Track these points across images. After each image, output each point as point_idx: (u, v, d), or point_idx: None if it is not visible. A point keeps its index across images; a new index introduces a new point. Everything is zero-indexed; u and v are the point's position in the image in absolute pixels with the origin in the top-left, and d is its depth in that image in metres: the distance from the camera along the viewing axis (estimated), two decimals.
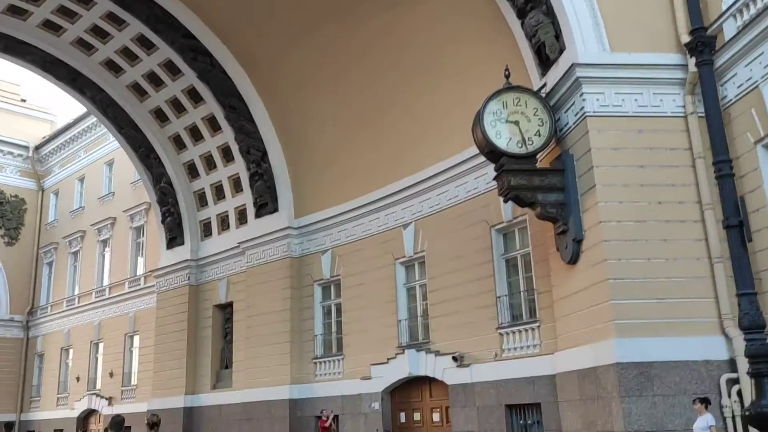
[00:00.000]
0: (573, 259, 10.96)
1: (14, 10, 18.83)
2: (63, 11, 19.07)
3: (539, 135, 11.38)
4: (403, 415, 15.88)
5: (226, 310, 21.29)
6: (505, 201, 11.77)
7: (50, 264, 32.67)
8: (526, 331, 13.01)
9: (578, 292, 10.84)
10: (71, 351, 29.73)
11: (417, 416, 15.60)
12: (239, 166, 20.67)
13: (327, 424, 14.34)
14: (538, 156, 11.54)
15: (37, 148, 33.50)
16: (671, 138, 10.71)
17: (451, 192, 15.29)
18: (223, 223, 21.86)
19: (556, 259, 11.61)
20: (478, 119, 11.33)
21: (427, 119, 16.03)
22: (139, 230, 27.47)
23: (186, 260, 22.06)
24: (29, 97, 36.61)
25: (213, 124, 20.92)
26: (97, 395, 27.14)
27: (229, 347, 20.80)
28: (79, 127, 31.32)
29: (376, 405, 16.04)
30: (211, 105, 20.35)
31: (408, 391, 15.86)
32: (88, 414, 28.04)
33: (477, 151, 13.93)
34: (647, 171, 10.54)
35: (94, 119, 29.34)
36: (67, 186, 32.49)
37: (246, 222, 20.78)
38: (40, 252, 33.05)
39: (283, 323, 18.46)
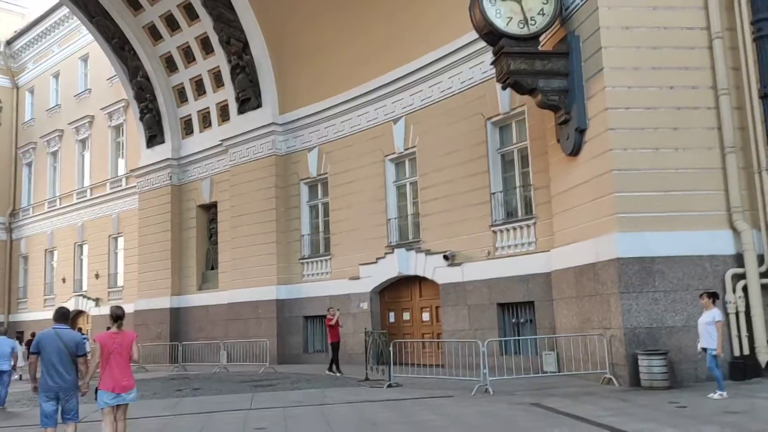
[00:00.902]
0: (575, 151, 10.23)
1: None
2: None
3: (543, 14, 10.38)
4: (392, 314, 15.60)
5: (210, 210, 20.65)
6: (504, 87, 10.86)
7: (29, 164, 31.66)
8: (521, 228, 12.44)
9: (579, 186, 10.18)
10: (56, 253, 29.25)
11: (406, 316, 15.32)
12: (219, 59, 19.44)
13: (332, 323, 13.97)
14: (540, 38, 10.56)
15: (9, 42, 31.69)
16: (688, 16, 9.73)
17: (444, 83, 14.33)
18: (205, 120, 20.84)
19: (556, 151, 10.87)
20: None
21: (419, 5, 14.84)
22: (118, 129, 26.35)
23: (167, 159, 21.20)
24: None
25: (190, 12, 19.50)
26: (84, 296, 26.90)
27: (215, 248, 20.30)
28: (52, 19, 29.48)
29: (365, 305, 15.73)
30: None
31: (397, 290, 15.50)
32: (76, 314, 27.90)
33: (472, 38, 13.03)
34: (660, 53, 9.63)
35: (67, 11, 27.61)
36: (42, 83, 30.99)
37: (228, 119, 19.79)
38: (18, 152, 31.96)
39: (269, 223, 17.87)
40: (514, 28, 10.25)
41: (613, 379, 9.30)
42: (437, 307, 14.45)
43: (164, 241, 20.95)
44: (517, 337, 11.58)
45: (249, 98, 18.83)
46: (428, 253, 14.27)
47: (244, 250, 18.38)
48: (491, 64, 10.83)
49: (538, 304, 11.85)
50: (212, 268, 20.39)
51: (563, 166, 10.72)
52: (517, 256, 12.42)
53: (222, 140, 19.42)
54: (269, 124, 18.14)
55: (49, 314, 27.70)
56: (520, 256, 12.36)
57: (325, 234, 17.35)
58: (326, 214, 17.33)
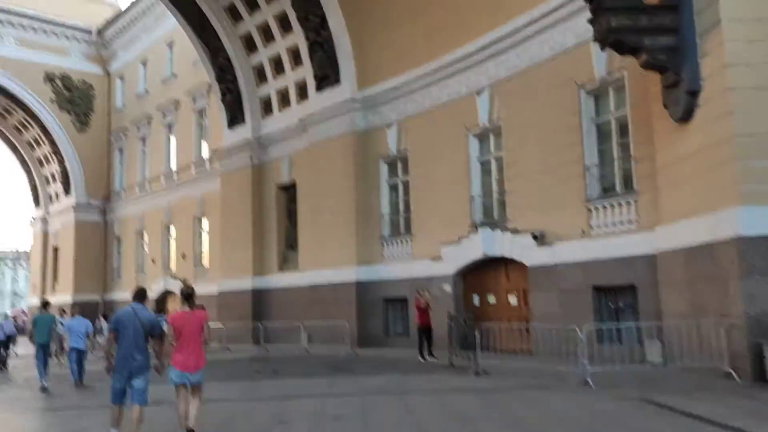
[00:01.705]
0: (685, 116, 9.07)
1: None
2: None
3: None
4: (476, 297, 14.79)
5: (289, 190, 20.43)
6: (603, 48, 9.77)
7: (121, 150, 32.68)
8: (620, 204, 11.35)
9: (691, 156, 9.03)
10: (145, 234, 30.09)
11: (492, 299, 14.48)
12: (298, 36, 19.06)
13: (422, 305, 13.37)
14: None
15: (100, 31, 32.68)
16: None
17: (533, 50, 13.28)
18: (284, 99, 20.58)
19: (663, 118, 9.72)
20: None
21: None
22: (201, 112, 26.63)
23: (247, 139, 21.11)
24: None
25: None
26: (172, 276, 27.50)
27: (294, 228, 20.09)
28: (139, 7, 30.15)
29: (448, 287, 14.99)
30: None
31: (482, 272, 14.67)
32: (165, 295, 28.63)
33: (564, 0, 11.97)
34: None
35: None
36: (131, 70, 31.82)
37: (307, 97, 19.42)
38: (111, 137, 33.03)
39: (348, 202, 17.41)
40: None
41: (733, 373, 8.20)
42: (525, 291, 13.54)
43: (245, 221, 20.94)
44: (619, 324, 10.51)
45: (327, 75, 18.37)
46: (515, 232, 13.37)
47: (323, 230, 18.02)
48: (588, 21, 9.76)
49: (641, 288, 10.76)
50: (293, 249, 20.20)
51: (671, 135, 9.57)
52: (615, 236, 11.34)
53: (301, 118, 19.08)
54: (347, 101, 17.61)
55: None
56: (619, 235, 11.27)
57: (405, 213, 16.72)
58: (406, 192, 16.68)
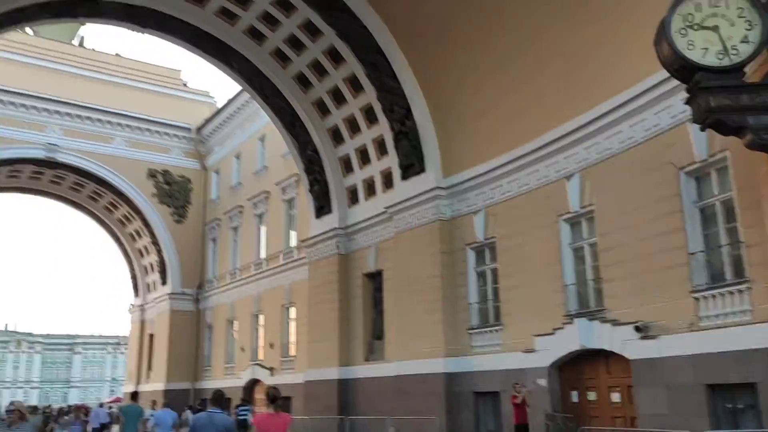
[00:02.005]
0: None
1: None
2: None
3: (747, 41, 8.73)
4: (575, 393, 13.84)
5: (375, 278, 20.33)
6: (702, 128, 9.26)
7: (214, 240, 33.96)
8: (731, 294, 10.47)
9: None
10: (235, 322, 30.64)
11: (592, 395, 13.50)
12: (383, 127, 19.49)
13: (518, 401, 12.68)
14: (745, 68, 8.96)
15: (199, 129, 34.83)
16: None
17: (625, 133, 12.90)
18: (369, 188, 20.87)
19: None
20: (664, 29, 8.93)
21: (586, 54, 13.73)
22: (290, 202, 27.44)
23: (334, 228, 21.38)
24: (190, 81, 38.29)
25: (354, 85, 19.89)
26: (260, 365, 27.64)
27: (380, 317, 19.83)
28: (234, 105, 32.03)
29: (543, 381, 14.15)
30: (352, 64, 19.30)
31: (579, 366, 13.80)
32: (253, 383, 28.72)
33: (655, 81, 11.73)
34: None
35: (247, 97, 29.84)
36: (226, 163, 33.50)
37: (392, 186, 19.60)
38: (206, 228, 34.47)
39: (435, 291, 17.06)
40: (711, 60, 8.73)
41: None
42: (629, 387, 12.55)
43: (332, 310, 20.90)
44: (738, 430, 9.43)
45: (412, 164, 18.54)
46: (615, 323, 12.57)
47: (410, 319, 17.67)
48: (685, 103, 9.33)
49: (762, 386, 9.71)
50: (379, 338, 19.87)
51: None
52: (728, 327, 10.41)
53: (386, 207, 19.20)
54: (432, 189, 17.61)
55: (229, 382, 28.91)
56: (732, 327, 10.34)
57: (494, 302, 16.17)
58: (495, 280, 16.20)
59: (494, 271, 16.25)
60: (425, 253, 17.61)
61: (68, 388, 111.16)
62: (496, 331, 15.68)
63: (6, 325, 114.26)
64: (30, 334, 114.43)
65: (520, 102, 15.59)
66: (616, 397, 13.04)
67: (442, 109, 17.94)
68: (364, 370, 19.76)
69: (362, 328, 20.29)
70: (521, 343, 14.71)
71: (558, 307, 14.05)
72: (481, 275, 16.76)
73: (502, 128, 16.07)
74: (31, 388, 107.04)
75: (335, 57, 19.74)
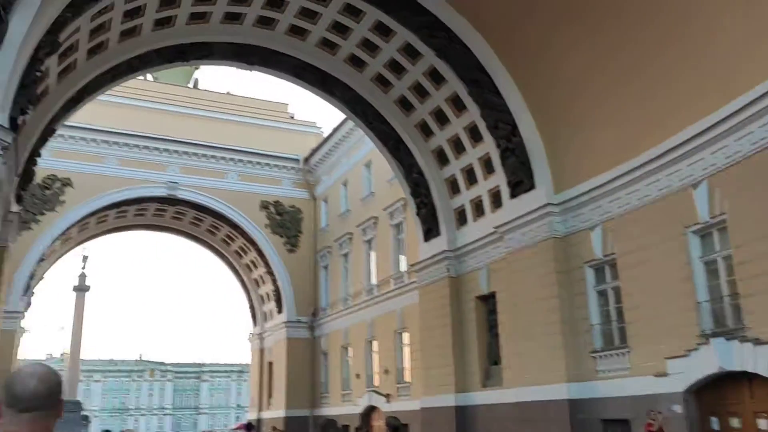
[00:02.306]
0: None
1: (263, 21, 19.55)
2: (304, 13, 19.30)
3: None
4: (715, 420, 12.62)
5: (489, 301, 19.71)
6: None
7: (326, 267, 34.50)
8: None
9: None
10: (350, 349, 30.80)
11: (735, 422, 12.25)
12: (488, 145, 19.03)
13: (655, 429, 11.78)
14: None
15: (306, 159, 35.72)
16: None
17: (756, 134, 11.75)
18: (478, 208, 20.38)
19: None
20: None
21: (715, 52, 12.67)
22: (398, 227, 27.40)
23: (443, 251, 21.01)
24: (297, 113, 39.50)
25: (457, 104, 19.61)
26: (376, 392, 27.54)
27: (496, 341, 19.15)
28: (339, 134, 32.61)
29: (678, 408, 13.00)
30: (453, 83, 19.05)
31: (719, 390, 12.58)
32: (370, 410, 28.66)
33: None
34: None
35: (351, 125, 30.33)
36: (334, 191, 34.09)
37: (501, 205, 19.03)
38: (317, 256, 35.10)
39: (552, 312, 16.25)
40: None
41: None
42: None
43: (444, 335, 20.45)
44: None
45: (521, 181, 17.91)
46: (757, 342, 11.36)
47: (527, 343, 16.91)
48: None
49: None
50: (495, 363, 19.18)
51: None
52: None
53: (495, 227, 18.63)
54: (544, 206, 16.89)
55: (346, 409, 29.03)
56: None
57: (618, 323, 15.14)
58: (618, 299, 15.18)
59: (616, 290, 15.26)
60: (540, 273, 16.87)
61: (197, 414, 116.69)
62: (623, 354, 14.64)
63: (140, 355, 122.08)
64: (161, 363, 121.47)
65: (637, 110, 14.68)
66: (763, 424, 11.77)
67: (550, 123, 17.27)
68: (482, 397, 19.11)
69: (477, 353, 19.68)
70: (651, 366, 13.64)
71: (691, 326, 12.91)
72: (602, 294, 15.80)
73: (617, 137, 15.19)
74: (164, 414, 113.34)
75: (436, 77, 19.58)
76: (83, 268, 69.20)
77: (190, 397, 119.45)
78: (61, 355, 77.75)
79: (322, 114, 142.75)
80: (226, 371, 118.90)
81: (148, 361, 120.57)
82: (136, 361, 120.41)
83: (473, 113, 19.08)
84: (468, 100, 18.93)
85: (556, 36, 16.07)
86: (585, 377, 15.41)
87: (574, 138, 16.61)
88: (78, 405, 61.91)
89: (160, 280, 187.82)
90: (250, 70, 21.62)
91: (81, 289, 67.23)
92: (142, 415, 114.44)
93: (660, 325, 13.59)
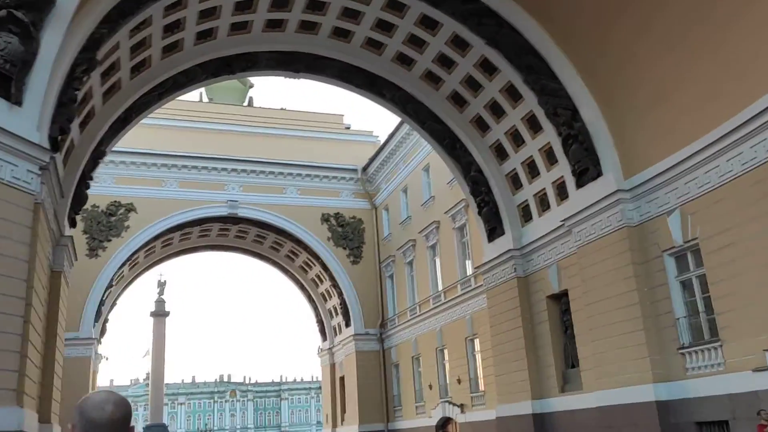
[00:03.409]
0: None
1: (305, 26, 19.08)
2: (346, 13, 18.70)
3: None
4: None
5: (561, 300, 18.43)
6: None
7: (391, 277, 33.73)
8: None
9: None
10: (420, 359, 29.86)
11: None
12: (549, 134, 17.85)
13: None
14: None
15: (364, 169, 35.17)
16: None
17: None
18: (542, 202, 19.18)
19: None
20: None
21: None
22: (461, 229, 26.39)
23: (509, 250, 19.87)
24: (353, 123, 39.12)
25: (512, 94, 18.54)
26: (449, 402, 26.49)
27: (572, 342, 17.83)
28: (395, 140, 31.92)
29: None
30: (507, 72, 18.01)
31: None
32: (445, 422, 27.59)
33: None
34: None
35: (407, 130, 29.62)
36: (394, 199, 33.37)
37: (567, 197, 17.80)
38: (381, 266, 34.39)
39: (631, 308, 14.89)
40: None
41: None
42: None
43: (516, 338, 19.27)
44: None
45: (587, 168, 16.66)
46: None
47: (606, 342, 15.57)
48: None
49: None
50: (573, 366, 17.86)
51: None
52: None
53: (563, 220, 17.40)
54: (614, 193, 15.58)
55: (420, 422, 28.07)
56: None
57: (708, 314, 13.67)
58: (704, 289, 13.72)
59: (702, 278, 13.80)
60: (615, 267, 15.55)
61: None
62: (715, 348, 13.17)
63: (221, 376, 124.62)
64: (242, 384, 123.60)
65: (706, 78, 13.31)
66: None
67: (613, 104, 15.99)
68: (561, 403, 17.82)
69: (553, 356, 18.40)
70: (749, 360, 12.18)
71: None
72: (686, 284, 14.35)
73: (690, 111, 13.81)
74: None
75: (487, 68, 18.60)
76: (160, 293, 71.03)
77: (271, 416, 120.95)
78: (145, 380, 79.92)
79: (378, 123, 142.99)
80: (305, 388, 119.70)
81: (230, 382, 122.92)
82: (218, 382, 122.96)
83: (530, 102, 17.97)
84: (523, 89, 17.85)
85: (614, 15, 14.84)
86: (673, 376, 13.98)
87: (641, 117, 15.28)
88: (164, 428, 63.27)
89: (234, 300, 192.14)
90: (297, 78, 21.21)
91: (159, 314, 68.94)
92: None
93: (756, 313, 12.11)
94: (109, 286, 30.87)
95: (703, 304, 13.78)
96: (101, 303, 30.24)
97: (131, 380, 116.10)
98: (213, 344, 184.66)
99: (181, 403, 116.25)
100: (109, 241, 30.51)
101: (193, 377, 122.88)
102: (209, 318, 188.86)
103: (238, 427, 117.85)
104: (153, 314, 67.20)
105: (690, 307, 14.17)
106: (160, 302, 68.55)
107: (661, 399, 13.96)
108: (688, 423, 13.56)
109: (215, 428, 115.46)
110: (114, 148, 31.15)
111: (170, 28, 16.55)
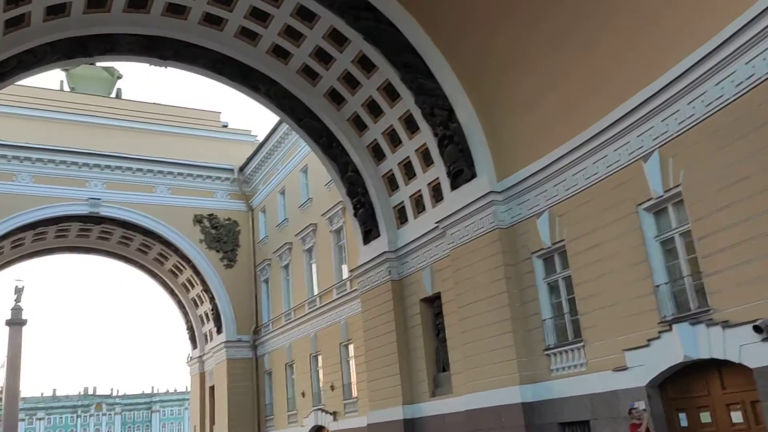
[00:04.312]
0: None
1: (172, 9, 17.76)
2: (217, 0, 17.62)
3: None
4: (683, 416, 11.38)
5: (434, 303, 18.22)
6: None
7: (266, 281, 32.55)
8: None
9: None
10: (294, 366, 28.89)
11: (705, 417, 11.02)
12: (425, 135, 17.65)
13: (642, 429, 10.51)
14: None
15: (241, 169, 33.80)
16: None
17: (711, 93, 10.66)
18: (418, 204, 18.96)
19: None
20: None
21: (654, 14, 11.60)
22: (338, 232, 25.79)
23: (384, 252, 19.47)
24: (231, 121, 37.61)
25: (390, 92, 18.20)
26: (322, 410, 25.72)
27: (444, 346, 17.65)
28: (273, 140, 30.87)
29: (641, 404, 11.68)
30: (384, 70, 17.63)
31: (685, 382, 11.35)
32: (318, 430, 26.78)
33: (750, 17, 9.50)
34: None
35: (286, 129, 28.69)
36: (271, 201, 32.26)
37: (442, 198, 17.65)
38: (257, 270, 33.13)
39: (501, 309, 14.85)
40: None
41: None
42: (753, 402, 10.08)
43: (389, 343, 18.86)
44: None
45: (461, 170, 16.56)
46: (726, 325, 10.18)
47: (476, 345, 15.46)
48: None
49: None
50: (444, 370, 17.68)
51: None
52: None
53: (437, 222, 17.21)
54: (487, 194, 15.55)
55: (293, 431, 27.03)
56: None
57: (572, 315, 13.84)
58: (570, 290, 13.89)
59: (567, 280, 13.97)
60: (486, 269, 15.48)
61: None
62: (578, 349, 13.32)
63: (85, 388, 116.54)
64: (109, 396, 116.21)
65: (574, 84, 13.54)
66: (737, 416, 10.58)
67: (488, 105, 16.01)
68: (432, 407, 17.57)
69: (425, 360, 18.13)
70: (609, 360, 12.38)
71: (650, 313, 11.68)
72: (552, 286, 14.49)
73: (559, 115, 13.99)
74: None
75: (366, 64, 18.13)
76: (17, 300, 65.05)
77: (141, 430, 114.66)
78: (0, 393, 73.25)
79: (257, 122, 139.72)
80: (178, 399, 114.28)
81: (95, 395, 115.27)
82: (81, 395, 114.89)
83: (407, 101, 17.68)
84: (401, 87, 17.53)
85: (499, 18, 14.76)
86: (539, 377, 14.04)
87: (514, 119, 15.37)
88: None
89: (98, 307, 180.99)
90: (165, 66, 19.72)
91: (15, 322, 63.04)
92: None
93: (616, 314, 12.34)
94: None
95: (568, 306, 13.94)
96: None
97: None
98: (76, 354, 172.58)
99: (39, 419, 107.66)
100: None
101: (54, 390, 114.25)
102: (71, 326, 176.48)
103: None
104: (8, 323, 61.48)
105: (556, 309, 14.32)
106: (16, 310, 62.76)
107: (526, 401, 13.95)
108: (552, 424, 13.63)
109: None
110: None
111: (14, 0, 14.78)
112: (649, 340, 11.53)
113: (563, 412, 13.38)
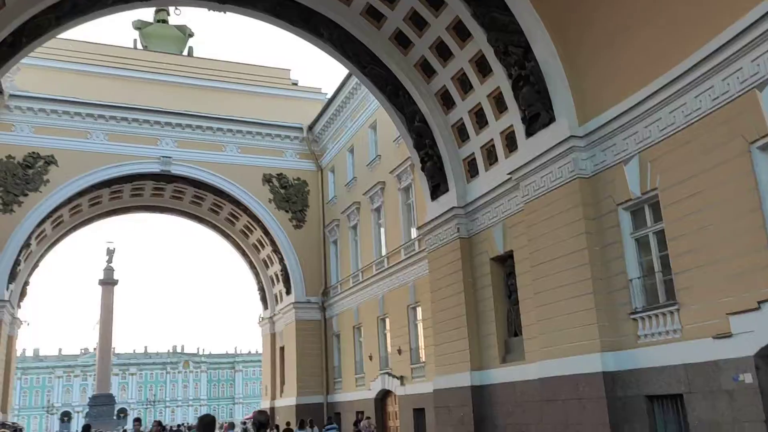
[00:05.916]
0: None
1: None
2: None
3: None
4: None
5: (506, 262, 16.72)
6: None
7: (335, 242, 31.81)
8: None
9: None
10: (362, 329, 28.10)
11: None
12: (498, 77, 15.97)
13: None
14: None
15: (310, 127, 32.96)
16: None
17: None
18: (489, 155, 17.38)
19: None
20: None
21: None
22: (407, 191, 24.54)
23: (453, 208, 18.05)
24: (300, 79, 36.76)
25: (460, 32, 16.58)
26: (390, 374, 24.84)
27: (516, 309, 16.17)
28: (342, 95, 29.76)
29: (747, 377, 9.95)
30: (454, 5, 16.01)
31: None
32: (385, 395, 25.99)
33: None
34: None
35: (354, 83, 27.53)
36: (340, 160, 31.31)
37: (516, 148, 16.01)
38: (325, 231, 32.42)
39: (580, 268, 13.19)
40: None
41: None
42: None
43: (457, 305, 17.52)
44: None
45: (538, 114, 14.83)
46: None
47: (552, 307, 13.89)
48: None
49: None
50: (516, 335, 16.22)
51: None
52: None
53: (509, 173, 15.61)
54: (566, 140, 13.79)
55: (360, 394, 26.33)
56: None
57: (664, 275, 12.03)
58: (662, 246, 12.06)
59: (660, 234, 12.14)
60: (564, 224, 13.81)
61: (233, 404, 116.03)
62: (671, 312, 11.55)
63: (174, 346, 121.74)
64: (195, 355, 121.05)
65: (673, 10, 11.52)
66: None
67: (571, 39, 14.14)
68: (502, 374, 16.20)
69: (495, 324, 16.71)
70: (710, 326, 10.60)
71: (763, 270, 9.81)
72: (641, 242, 12.69)
73: (653, 44, 12.03)
74: (200, 405, 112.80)
75: (434, 3, 16.57)
76: (109, 261, 67.70)
77: (225, 388, 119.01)
78: (94, 349, 77.16)
79: (327, 80, 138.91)
80: (259, 360, 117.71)
81: (183, 353, 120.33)
82: (170, 353, 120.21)
83: (479, 40, 16.02)
84: (472, 24, 15.87)
85: None
86: (623, 344, 12.37)
87: (599, 54, 13.45)
88: (110, 398, 60.52)
89: (181, 267, 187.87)
90: (224, 11, 18.89)
91: (107, 282, 65.76)
92: (178, 406, 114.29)
93: (720, 272, 10.50)
94: (27, 245, 28.24)
95: (660, 264, 12.14)
96: (16, 263, 27.62)
97: (81, 350, 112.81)
98: (164, 313, 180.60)
99: (132, 374, 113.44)
100: (26, 195, 27.84)
101: (146, 347, 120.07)
102: (158, 286, 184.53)
103: (191, 397, 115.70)
104: (101, 282, 64.22)
105: (645, 268, 12.54)
106: (108, 270, 65.58)
107: (608, 370, 12.35)
108: (637, 396, 12.00)
109: (168, 399, 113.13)
110: (34, 94, 28.47)
111: None
112: (760, 303, 9.70)
113: (651, 383, 11.71)
